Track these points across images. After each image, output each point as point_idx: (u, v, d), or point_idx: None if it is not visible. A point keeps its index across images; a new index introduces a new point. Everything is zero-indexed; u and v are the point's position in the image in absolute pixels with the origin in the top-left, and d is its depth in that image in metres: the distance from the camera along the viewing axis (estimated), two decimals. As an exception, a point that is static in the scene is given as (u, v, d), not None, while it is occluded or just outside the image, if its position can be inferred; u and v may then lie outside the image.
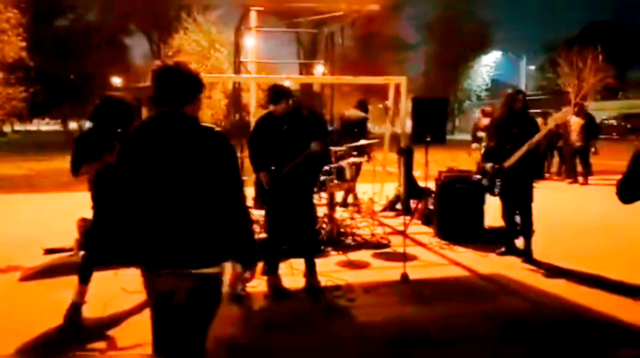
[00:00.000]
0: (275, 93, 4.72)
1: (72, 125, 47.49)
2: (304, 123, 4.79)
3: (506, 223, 6.09)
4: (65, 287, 4.37)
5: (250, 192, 7.38)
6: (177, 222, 2.34)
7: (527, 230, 5.89)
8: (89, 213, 6.30)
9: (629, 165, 2.87)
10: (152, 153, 2.34)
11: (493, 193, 5.94)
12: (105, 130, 4.06)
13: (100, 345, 3.74)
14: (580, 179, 12.43)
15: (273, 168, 4.74)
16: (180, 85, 2.39)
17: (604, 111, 37.40)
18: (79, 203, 8.57)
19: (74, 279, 4.20)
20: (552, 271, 5.47)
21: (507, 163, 5.62)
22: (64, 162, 6.70)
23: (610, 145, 18.34)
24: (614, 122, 36.93)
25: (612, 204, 3.16)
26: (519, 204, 5.88)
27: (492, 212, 6.90)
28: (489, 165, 5.90)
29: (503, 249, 6.07)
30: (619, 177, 2.89)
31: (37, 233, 6.95)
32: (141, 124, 2.49)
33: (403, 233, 5.47)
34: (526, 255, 5.84)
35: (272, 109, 4.77)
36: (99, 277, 4.28)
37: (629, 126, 34.22)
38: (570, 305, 4.55)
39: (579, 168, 12.60)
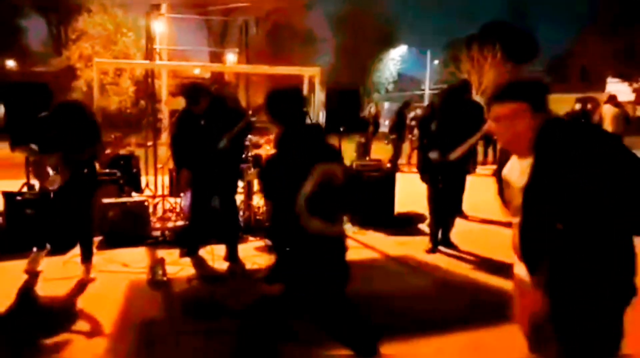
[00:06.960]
0: (194, 93, 4.76)
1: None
2: (226, 115, 4.84)
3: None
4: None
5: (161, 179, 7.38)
6: None
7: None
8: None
9: None
10: None
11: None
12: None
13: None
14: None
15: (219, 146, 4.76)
16: None
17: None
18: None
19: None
20: (461, 252, 5.77)
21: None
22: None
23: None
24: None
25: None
26: (451, 192, 5.85)
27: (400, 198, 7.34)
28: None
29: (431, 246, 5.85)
30: None
31: None
32: None
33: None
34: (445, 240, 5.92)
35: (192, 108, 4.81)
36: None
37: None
38: (474, 284, 4.89)
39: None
